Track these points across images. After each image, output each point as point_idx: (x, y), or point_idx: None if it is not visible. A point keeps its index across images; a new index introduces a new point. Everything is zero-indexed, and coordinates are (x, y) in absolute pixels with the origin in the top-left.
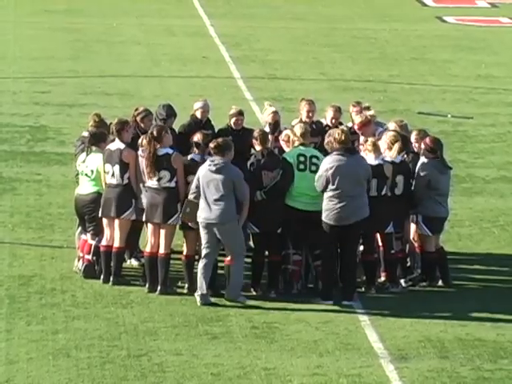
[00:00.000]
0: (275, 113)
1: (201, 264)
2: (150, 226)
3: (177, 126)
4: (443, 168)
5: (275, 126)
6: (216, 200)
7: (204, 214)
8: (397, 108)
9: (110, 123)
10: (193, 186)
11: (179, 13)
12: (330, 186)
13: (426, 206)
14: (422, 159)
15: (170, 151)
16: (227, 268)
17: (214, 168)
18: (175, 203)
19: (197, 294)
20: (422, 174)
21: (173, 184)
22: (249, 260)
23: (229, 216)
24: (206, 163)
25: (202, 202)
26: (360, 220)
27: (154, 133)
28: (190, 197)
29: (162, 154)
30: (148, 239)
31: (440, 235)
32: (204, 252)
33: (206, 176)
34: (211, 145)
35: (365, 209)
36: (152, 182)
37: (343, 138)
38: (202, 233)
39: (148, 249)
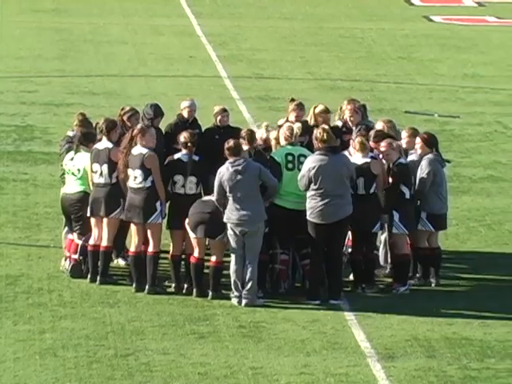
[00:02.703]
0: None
1: (233, 267)
2: (133, 225)
3: (163, 125)
4: (442, 163)
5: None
6: (246, 200)
7: (235, 216)
8: (384, 107)
9: (97, 123)
10: (217, 193)
11: (166, 12)
12: (313, 186)
13: (430, 202)
14: (412, 157)
15: (144, 151)
16: (213, 269)
17: (239, 168)
18: (153, 202)
19: (233, 296)
20: (427, 170)
21: (148, 183)
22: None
23: (260, 215)
24: (225, 167)
25: (230, 205)
26: (345, 218)
27: (134, 132)
28: (218, 202)
29: (135, 154)
30: (132, 239)
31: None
32: (234, 256)
33: (231, 179)
34: (226, 150)
35: (348, 207)
36: (130, 182)
37: (325, 137)
38: (232, 236)
39: (133, 248)
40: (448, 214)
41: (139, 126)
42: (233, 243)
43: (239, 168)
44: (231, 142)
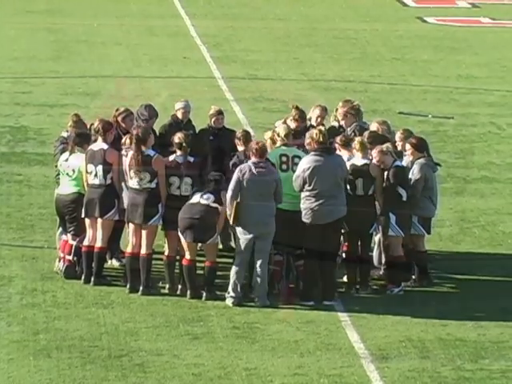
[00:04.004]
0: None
1: (235, 268)
2: (131, 226)
3: (157, 126)
4: (434, 166)
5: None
6: (263, 201)
7: (251, 217)
8: (378, 108)
9: (92, 124)
10: (233, 190)
11: (160, 13)
12: (307, 187)
13: (421, 206)
14: (406, 159)
15: (152, 153)
16: (207, 270)
17: (263, 170)
18: (156, 204)
19: (229, 296)
20: (419, 175)
21: (153, 185)
22: (228, 261)
23: (272, 216)
24: (247, 166)
25: (246, 206)
26: (339, 219)
27: (140, 134)
28: (232, 200)
29: (143, 156)
30: (129, 239)
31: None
32: (240, 258)
33: (252, 179)
34: (254, 150)
35: (342, 208)
36: (133, 183)
37: (321, 138)
38: (242, 238)
39: (129, 249)
40: (440, 215)
41: (141, 129)
42: (241, 245)
43: (263, 170)
44: (261, 143)
